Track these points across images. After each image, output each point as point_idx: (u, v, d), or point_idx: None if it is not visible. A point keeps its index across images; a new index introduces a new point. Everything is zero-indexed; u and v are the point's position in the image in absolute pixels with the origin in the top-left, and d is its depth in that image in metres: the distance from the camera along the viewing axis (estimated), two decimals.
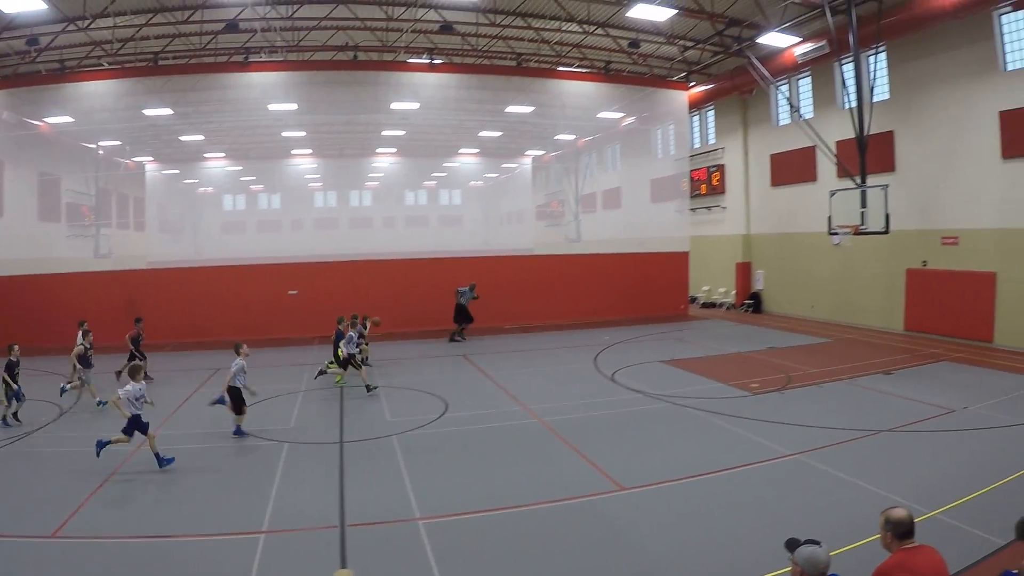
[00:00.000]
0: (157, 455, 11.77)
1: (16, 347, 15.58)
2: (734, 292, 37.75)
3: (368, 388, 17.82)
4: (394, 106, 30.52)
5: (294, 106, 29.31)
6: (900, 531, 5.04)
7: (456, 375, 19.62)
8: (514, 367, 20.71)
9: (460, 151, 45.28)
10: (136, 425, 11.87)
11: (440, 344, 26.11)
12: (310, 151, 40.56)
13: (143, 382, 12.36)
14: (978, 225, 24.83)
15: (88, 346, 16.96)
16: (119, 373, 18.59)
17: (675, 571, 7.93)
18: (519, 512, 9.57)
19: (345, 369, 18.95)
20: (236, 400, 13.94)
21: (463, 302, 27.13)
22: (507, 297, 28.26)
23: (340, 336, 19.16)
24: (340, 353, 18.77)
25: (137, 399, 11.99)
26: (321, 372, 19.70)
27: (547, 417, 14.91)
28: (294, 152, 40.23)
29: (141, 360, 18.81)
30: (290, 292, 27.40)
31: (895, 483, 10.54)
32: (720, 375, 19.36)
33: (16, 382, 15.03)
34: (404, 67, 29.95)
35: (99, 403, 16.30)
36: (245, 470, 11.67)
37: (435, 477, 11.10)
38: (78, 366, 16.82)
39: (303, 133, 35.42)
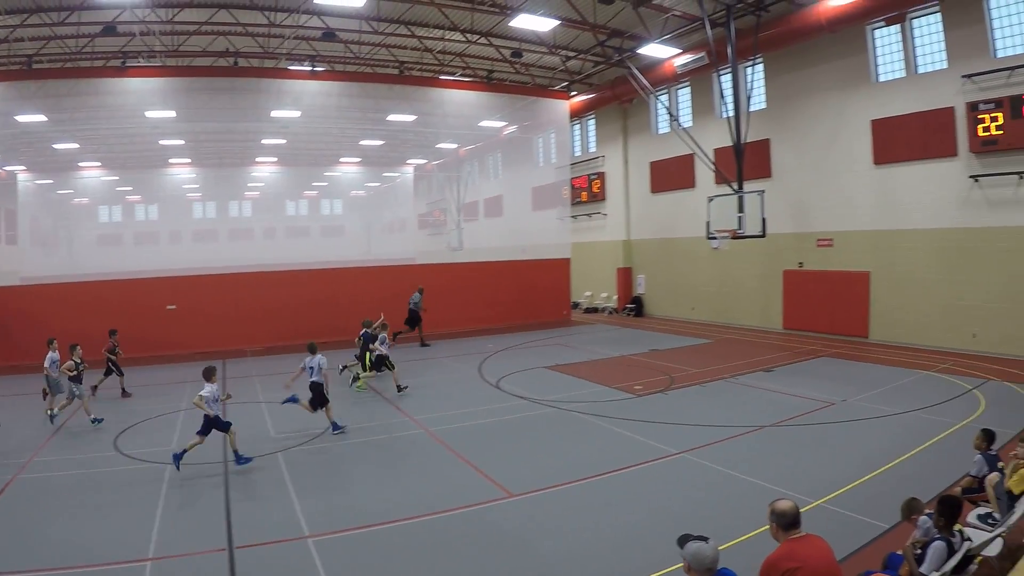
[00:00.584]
0: (236, 452, 12.29)
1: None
2: (616, 297, 38.41)
3: (399, 388, 18.36)
4: (274, 114, 29.78)
5: (172, 113, 28.22)
6: (784, 522, 5.20)
7: (341, 388, 19.20)
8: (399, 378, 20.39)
9: (341, 160, 44.84)
10: (216, 424, 12.24)
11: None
12: (189, 160, 39.31)
13: (216, 383, 12.59)
14: (852, 227, 26.10)
15: (79, 361, 16.24)
16: (95, 388, 18.27)
17: (569, 572, 7.94)
18: (409, 524, 9.35)
19: (379, 371, 19.42)
20: (318, 396, 14.33)
21: (414, 308, 26.90)
22: (390, 307, 27.96)
23: (369, 338, 19.33)
24: (369, 356, 19.13)
25: (215, 400, 12.39)
26: (345, 368, 20.17)
27: (434, 427, 14.66)
28: (172, 161, 38.90)
29: (119, 375, 18.76)
30: (169, 307, 26.35)
31: (780, 476, 10.90)
32: (604, 378, 19.52)
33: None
34: (285, 74, 29.32)
35: (94, 420, 15.81)
36: (127, 494, 11.00)
37: (323, 493, 10.70)
38: (70, 384, 16.13)
39: (181, 141, 34.25)
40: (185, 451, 11.93)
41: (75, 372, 16.02)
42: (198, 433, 12.13)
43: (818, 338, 26.36)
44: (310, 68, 29.56)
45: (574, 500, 10.21)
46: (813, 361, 22.09)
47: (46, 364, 16.42)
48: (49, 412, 16.20)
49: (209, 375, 12.48)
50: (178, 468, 11.78)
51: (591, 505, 9.99)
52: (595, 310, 39.04)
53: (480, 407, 16.65)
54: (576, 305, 38.65)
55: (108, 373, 18.85)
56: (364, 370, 19.42)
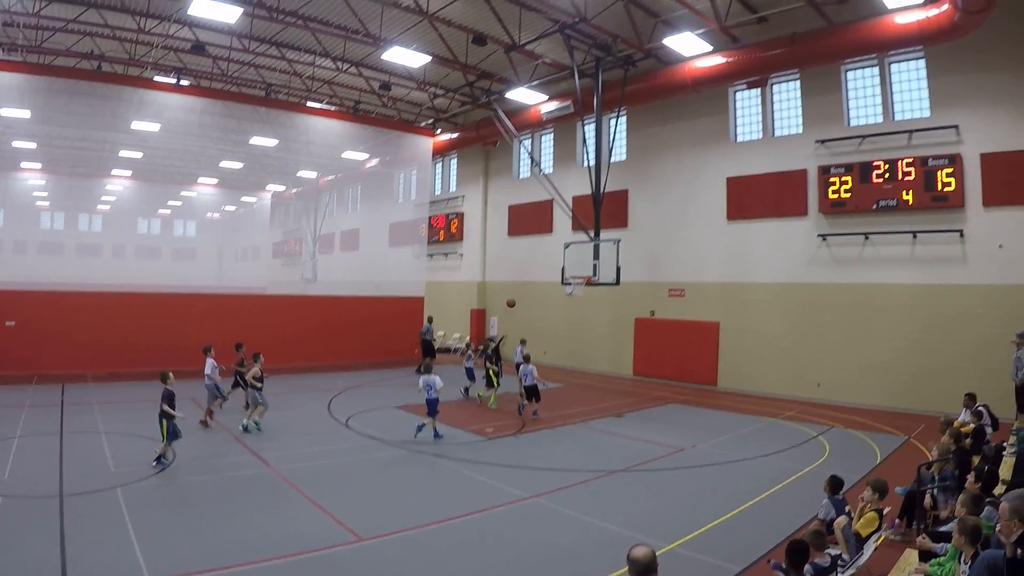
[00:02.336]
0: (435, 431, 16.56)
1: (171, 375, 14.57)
2: (469, 338, 38.05)
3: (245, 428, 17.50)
4: (135, 125, 28.56)
5: (27, 113, 26.71)
6: (636, 569, 5.11)
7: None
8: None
9: (199, 180, 43.44)
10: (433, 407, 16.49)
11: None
12: (40, 165, 37.26)
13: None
14: (704, 279, 27.05)
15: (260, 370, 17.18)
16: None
17: None
18: (252, 569, 8.67)
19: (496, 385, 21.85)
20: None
21: (428, 338, 27.91)
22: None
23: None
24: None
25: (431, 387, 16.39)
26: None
27: (281, 466, 13.81)
28: (23, 165, 36.79)
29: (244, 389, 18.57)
30: (8, 323, 24.29)
31: (632, 520, 10.86)
32: (456, 420, 19.04)
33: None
34: (149, 84, 27.81)
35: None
36: None
37: (164, 533, 9.85)
38: (250, 389, 17.07)
39: (34, 145, 32.30)
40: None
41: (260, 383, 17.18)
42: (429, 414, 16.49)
43: (668, 385, 26.96)
44: (176, 80, 28.21)
45: (425, 545, 9.77)
46: (663, 407, 22.46)
47: (207, 371, 17.69)
48: (204, 421, 17.49)
49: (430, 369, 16.85)
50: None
51: (443, 550, 9.59)
52: (447, 350, 38.62)
53: (329, 446, 15.89)
54: (239, 346, 38.08)
55: (236, 386, 19.50)
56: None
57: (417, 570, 8.89)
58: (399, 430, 17.40)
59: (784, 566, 6.94)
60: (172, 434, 13.75)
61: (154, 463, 13.42)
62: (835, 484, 9.39)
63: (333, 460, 14.61)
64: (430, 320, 30.82)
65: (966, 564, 6.22)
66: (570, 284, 26.10)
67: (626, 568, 5.09)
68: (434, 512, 11.03)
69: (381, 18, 23.67)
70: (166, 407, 13.71)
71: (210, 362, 18.03)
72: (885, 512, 9.14)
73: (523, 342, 23.20)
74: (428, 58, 24.72)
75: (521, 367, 20.56)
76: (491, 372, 21.74)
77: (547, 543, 9.90)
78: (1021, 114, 19.73)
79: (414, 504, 11.57)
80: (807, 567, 6.95)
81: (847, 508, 8.98)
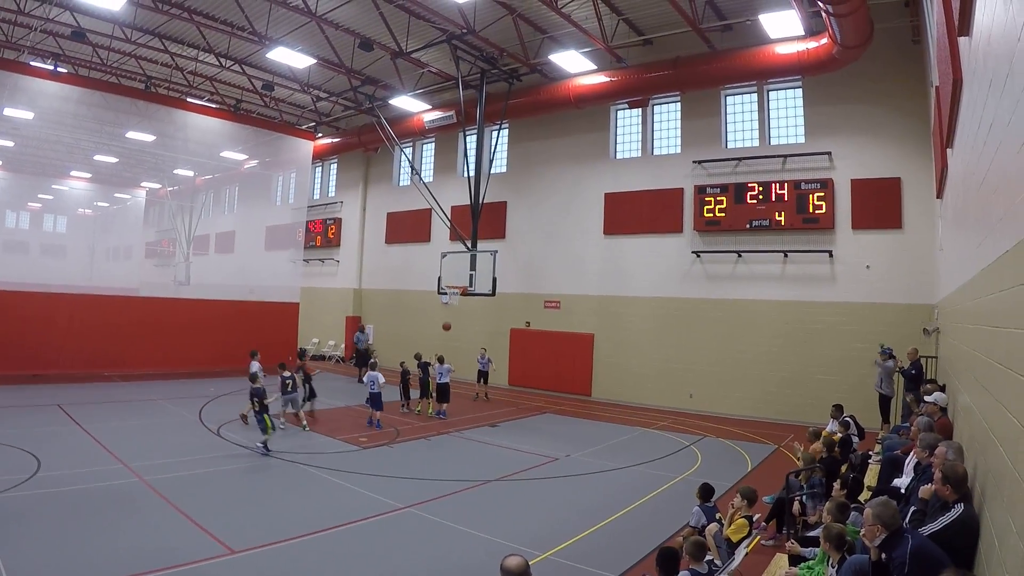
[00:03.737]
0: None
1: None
2: (343, 346, 37.62)
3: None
4: (7, 112, 27.10)
5: None
6: None
7: (49, 427, 17.00)
8: (115, 419, 18.38)
9: (72, 173, 41.51)
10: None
11: (29, 390, 22.51)
12: None
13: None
14: (580, 291, 27.52)
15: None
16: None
17: None
18: None
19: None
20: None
21: (362, 347, 29.97)
22: (109, 341, 25.36)
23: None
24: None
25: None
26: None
27: (150, 476, 13.17)
28: None
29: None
30: None
31: (507, 530, 10.90)
32: (329, 429, 18.84)
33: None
34: (24, 69, 26.15)
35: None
36: None
37: (27, 549, 9.19)
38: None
39: None
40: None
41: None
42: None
43: (543, 395, 27.23)
44: (53, 67, 26.75)
45: (299, 556, 9.52)
46: (538, 417, 22.67)
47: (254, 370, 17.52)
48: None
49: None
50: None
51: (318, 562, 9.39)
52: (321, 357, 37.90)
53: (199, 455, 15.25)
54: (303, 352, 37.32)
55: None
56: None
57: None
58: (272, 439, 16.89)
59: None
60: (267, 423, 15.74)
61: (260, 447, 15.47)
62: (706, 492, 9.65)
63: (205, 469, 14.06)
64: (362, 329, 31.18)
65: (833, 568, 6.43)
66: (446, 294, 26.10)
67: None
68: (309, 523, 10.78)
69: (268, 16, 23.31)
70: (257, 402, 15.78)
71: (255, 364, 19.05)
72: (755, 518, 9.39)
73: (441, 359, 22.68)
74: (313, 60, 24.48)
75: (437, 367, 21.90)
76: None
77: (422, 553, 9.83)
78: (890, 144, 21.05)
79: (288, 515, 11.27)
80: (683, 574, 7.00)
81: (717, 515, 9.24)
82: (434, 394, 21.94)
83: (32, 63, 27.20)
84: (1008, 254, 4.90)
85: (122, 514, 10.88)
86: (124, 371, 25.61)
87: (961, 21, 6.65)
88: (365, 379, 17.09)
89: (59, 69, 26.84)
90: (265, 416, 15.56)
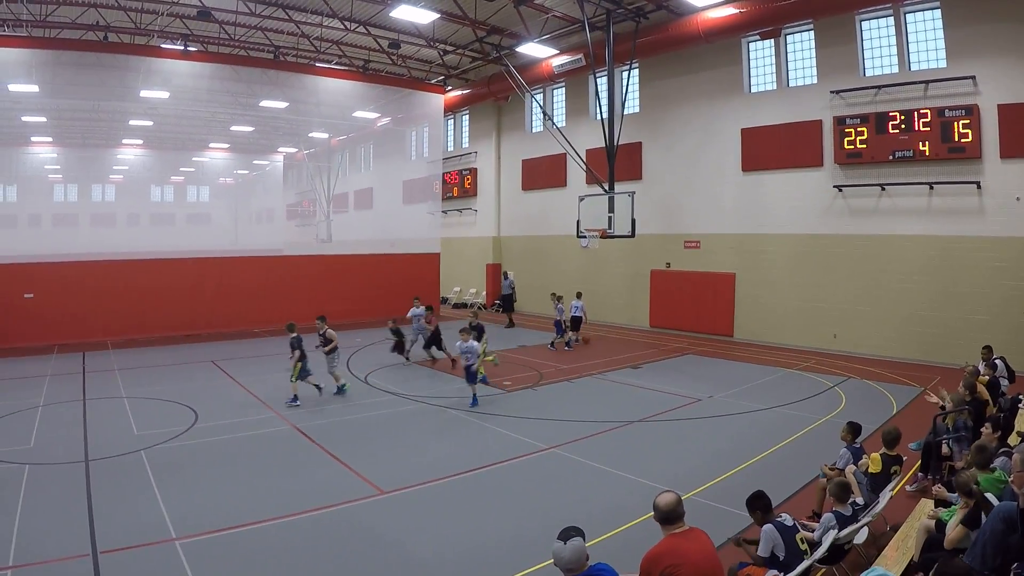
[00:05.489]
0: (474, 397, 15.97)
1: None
2: (484, 293, 38.29)
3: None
4: (143, 94, 28.45)
5: (36, 88, 26.58)
6: (663, 517, 5.15)
7: (205, 382, 18.16)
8: (264, 371, 19.42)
9: (210, 145, 43.44)
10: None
11: (186, 350, 24.16)
12: (51, 139, 37.40)
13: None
14: (719, 231, 27.09)
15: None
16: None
17: (442, 572, 7.71)
18: (279, 524, 8.94)
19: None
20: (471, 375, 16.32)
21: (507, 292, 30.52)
22: (257, 299, 26.75)
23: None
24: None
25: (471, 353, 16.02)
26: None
27: (302, 423, 14.13)
28: (34, 139, 36.86)
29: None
30: (26, 295, 24.45)
31: (649, 470, 11.02)
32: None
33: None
34: (156, 52, 27.53)
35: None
36: None
37: (189, 493, 10.06)
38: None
39: (44, 119, 32.32)
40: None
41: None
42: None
43: (684, 336, 27.16)
44: (183, 48, 27.92)
45: (446, 497, 9.92)
46: (679, 359, 22.66)
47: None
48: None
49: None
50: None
51: (464, 502, 9.77)
52: (463, 305, 38.76)
53: (348, 403, 16.12)
54: (445, 300, 38.30)
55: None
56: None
57: (439, 523, 9.03)
58: (417, 386, 17.67)
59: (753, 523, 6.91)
60: (304, 372, 16.06)
61: (290, 401, 15.63)
62: (854, 431, 9.45)
63: (353, 416, 14.91)
64: (505, 275, 33.23)
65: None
66: (585, 237, 26.14)
67: (649, 514, 5.20)
68: (454, 465, 11.27)
69: None
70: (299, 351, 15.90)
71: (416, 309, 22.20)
72: (903, 460, 9.28)
73: (579, 295, 25.41)
74: (436, 15, 24.56)
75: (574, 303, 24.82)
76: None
77: (565, 493, 10.11)
78: None
79: (434, 458, 11.79)
80: (828, 515, 7.08)
81: (863, 456, 9.04)
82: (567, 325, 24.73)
83: (163, 46, 28.21)
84: None
85: (276, 459, 11.72)
86: (272, 327, 27.08)
87: None
88: (459, 348, 16.37)
89: (189, 48, 27.74)
90: (298, 366, 15.97)
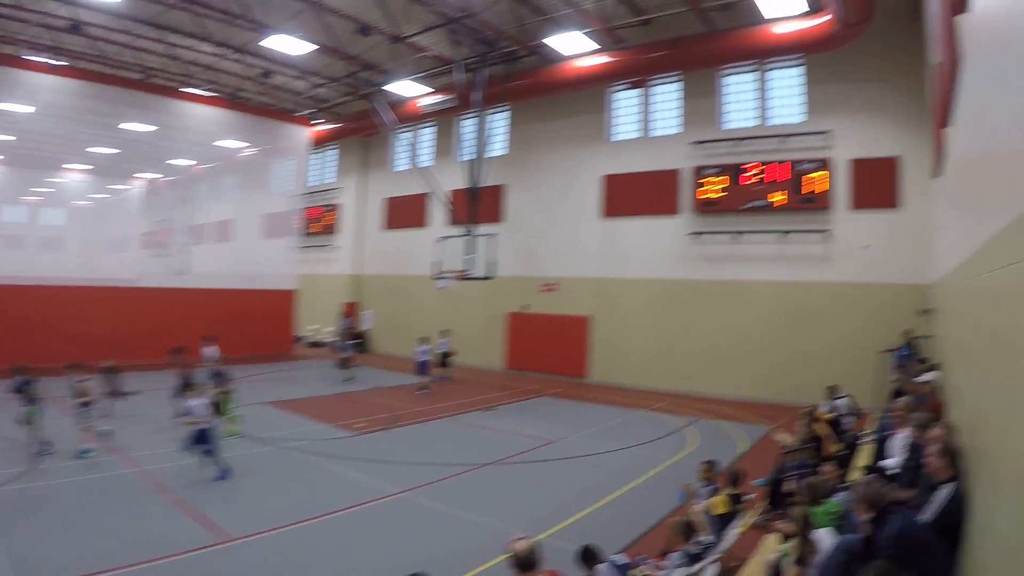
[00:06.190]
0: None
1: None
2: (343, 332, 37.37)
3: None
4: (3, 106, 26.69)
5: None
6: (521, 564, 5.11)
7: (42, 421, 16.90)
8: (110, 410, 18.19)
9: (67, 166, 41.27)
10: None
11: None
12: None
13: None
14: (577, 274, 27.51)
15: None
16: None
17: None
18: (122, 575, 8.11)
19: None
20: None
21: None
22: (104, 331, 25.20)
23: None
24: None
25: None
26: None
27: (145, 466, 13.11)
28: None
29: None
30: None
31: (502, 513, 10.92)
32: (327, 416, 18.61)
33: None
34: (22, 64, 25.85)
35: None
36: None
37: (25, 541, 9.10)
38: None
39: None
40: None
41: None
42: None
43: (540, 378, 27.21)
44: (50, 61, 26.40)
45: (296, 543, 9.51)
46: (534, 400, 22.66)
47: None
48: None
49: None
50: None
51: (312, 548, 9.38)
52: (319, 344, 37.80)
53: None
54: (300, 338, 37.30)
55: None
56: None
57: (291, 570, 8.67)
58: (269, 427, 16.83)
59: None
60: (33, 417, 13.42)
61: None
62: (712, 469, 9.66)
63: (192, 458, 13.96)
64: (348, 315, 33.45)
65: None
66: (443, 278, 25.98)
67: (501, 558, 4.99)
68: (305, 510, 10.75)
69: (266, 3, 23.04)
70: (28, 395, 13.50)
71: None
72: (745, 498, 9.37)
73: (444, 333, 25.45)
74: (311, 47, 24.10)
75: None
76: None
77: (416, 539, 9.85)
78: (888, 122, 21.06)
79: (284, 503, 11.24)
80: (675, 555, 7.00)
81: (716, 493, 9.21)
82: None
83: (29, 57, 26.73)
84: (999, 234, 4.84)
85: (117, 504, 10.81)
86: (118, 361, 25.66)
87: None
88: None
89: (56, 63, 26.44)
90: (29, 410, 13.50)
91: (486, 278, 25.23)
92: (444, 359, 25.47)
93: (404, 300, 34.48)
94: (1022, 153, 4.49)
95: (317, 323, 39.00)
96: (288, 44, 23.08)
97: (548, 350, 27.97)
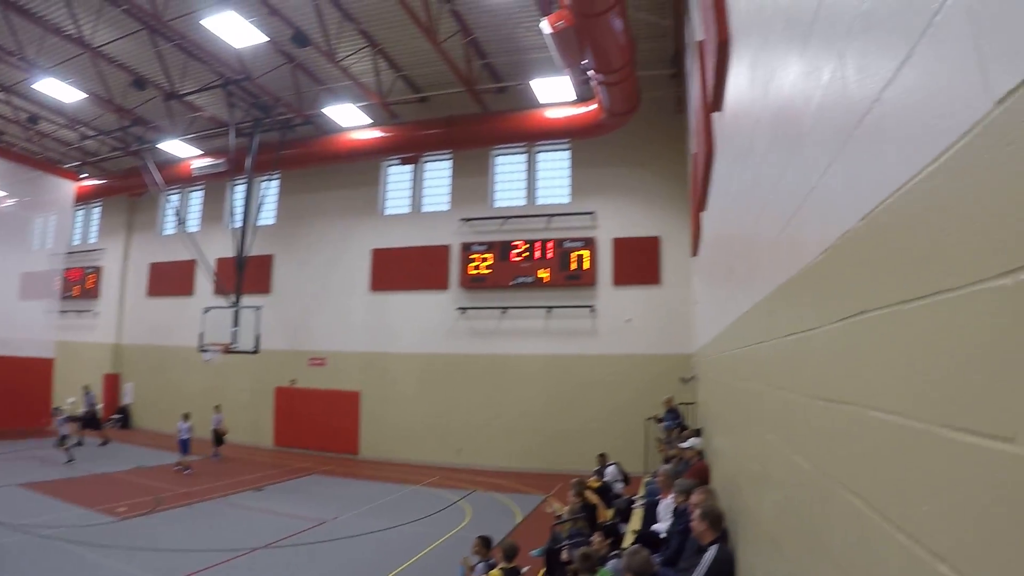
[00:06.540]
0: None
1: None
2: (102, 405, 34.73)
3: None
4: None
5: None
6: None
7: None
8: None
9: None
10: None
11: None
12: None
13: None
14: (346, 348, 27.22)
15: None
16: None
17: None
18: None
19: None
20: None
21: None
22: None
23: None
24: None
25: None
26: None
27: None
28: None
29: None
30: None
31: None
32: (85, 499, 17.30)
33: None
34: None
35: None
36: None
37: None
38: None
39: None
40: None
41: None
42: None
43: (310, 455, 26.48)
44: None
45: None
46: (305, 479, 22.05)
47: None
48: None
49: None
50: None
51: None
52: (77, 419, 34.85)
53: None
54: (57, 411, 34.32)
55: None
56: None
57: None
58: (21, 512, 15.39)
59: None
60: None
61: None
62: (486, 544, 9.72)
63: None
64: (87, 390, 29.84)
65: None
66: (208, 351, 24.97)
67: None
68: None
69: (41, 42, 21.67)
70: None
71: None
72: (525, 570, 9.49)
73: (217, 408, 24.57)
74: (83, 95, 22.94)
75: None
76: None
77: None
78: (651, 205, 22.86)
79: None
80: None
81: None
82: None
83: None
84: (743, 317, 5.31)
85: None
86: None
87: (714, 98, 7.18)
88: None
89: None
90: None
91: (253, 351, 24.55)
92: (218, 436, 24.73)
93: (169, 372, 32.62)
94: (746, 241, 4.98)
95: (74, 396, 36.14)
96: (60, 89, 22.10)
97: (318, 426, 27.31)
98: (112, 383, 34.17)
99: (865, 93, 2.07)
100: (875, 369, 2.10)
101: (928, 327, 1.66)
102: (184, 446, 22.29)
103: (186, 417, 22.75)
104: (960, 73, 1.43)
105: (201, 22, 18.01)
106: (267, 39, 19.70)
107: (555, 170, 24.78)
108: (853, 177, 2.27)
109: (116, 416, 32.25)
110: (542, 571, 10.96)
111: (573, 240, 23.34)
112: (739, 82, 5.62)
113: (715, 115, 7.80)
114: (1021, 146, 1.19)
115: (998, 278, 1.28)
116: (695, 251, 15.91)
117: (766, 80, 4.05)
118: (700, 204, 11.18)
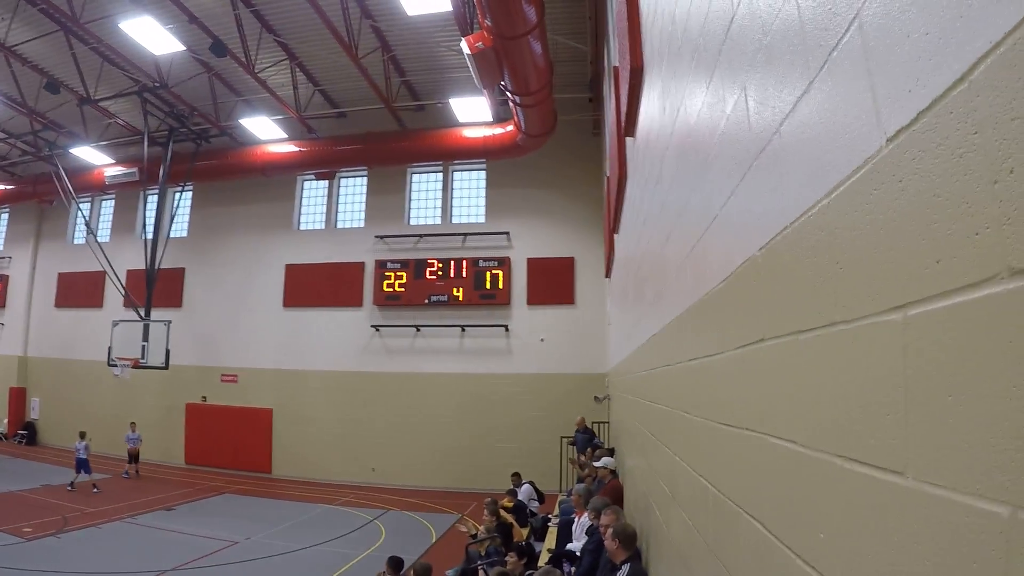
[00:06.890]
0: None
1: None
2: (6, 421, 33.47)
3: None
4: None
5: None
6: None
7: None
8: None
9: None
10: None
11: None
12: None
13: None
14: (258, 365, 26.85)
15: None
16: None
17: None
18: None
19: None
20: None
21: None
22: None
23: None
24: None
25: None
26: None
27: None
28: None
29: None
30: None
31: None
32: None
33: None
34: None
35: None
36: None
37: None
38: None
39: None
40: None
41: None
42: None
43: (222, 474, 25.94)
44: None
45: None
46: (216, 498, 21.68)
47: None
48: None
49: None
50: None
51: None
52: None
53: None
54: None
55: None
56: None
57: None
58: None
59: None
60: None
61: None
62: (396, 566, 9.61)
63: None
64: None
65: None
66: (117, 365, 24.32)
67: None
68: None
69: None
70: None
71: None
72: None
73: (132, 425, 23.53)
74: None
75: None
76: None
77: None
78: (566, 226, 23.22)
79: None
80: None
81: None
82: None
83: None
84: (652, 339, 5.52)
85: None
86: None
87: (628, 124, 7.38)
88: None
89: None
90: None
91: (163, 367, 24.07)
92: (132, 455, 24.26)
93: (78, 387, 31.47)
94: (656, 265, 5.19)
95: None
96: None
97: (230, 444, 26.74)
98: (18, 397, 32.87)
99: (765, 124, 2.19)
100: (773, 397, 2.21)
101: (822, 358, 1.75)
102: (81, 465, 21.53)
103: (82, 436, 21.97)
104: (855, 109, 1.52)
105: (120, 25, 17.76)
106: (184, 48, 19.53)
107: (471, 189, 25.04)
108: (754, 206, 2.38)
109: (22, 432, 31.11)
110: None
111: (488, 259, 23.56)
112: (651, 109, 5.78)
113: (628, 140, 8.01)
114: (910, 184, 1.28)
115: (887, 313, 1.36)
116: (608, 272, 16.24)
117: (675, 108, 4.20)
118: (614, 227, 11.43)
